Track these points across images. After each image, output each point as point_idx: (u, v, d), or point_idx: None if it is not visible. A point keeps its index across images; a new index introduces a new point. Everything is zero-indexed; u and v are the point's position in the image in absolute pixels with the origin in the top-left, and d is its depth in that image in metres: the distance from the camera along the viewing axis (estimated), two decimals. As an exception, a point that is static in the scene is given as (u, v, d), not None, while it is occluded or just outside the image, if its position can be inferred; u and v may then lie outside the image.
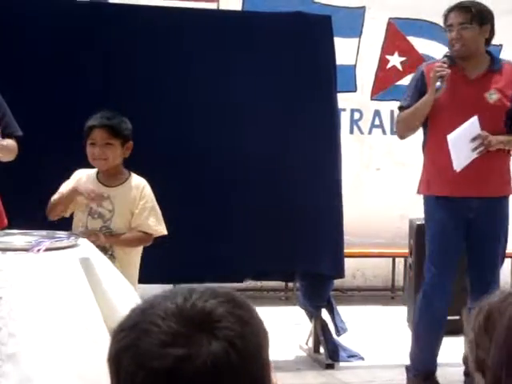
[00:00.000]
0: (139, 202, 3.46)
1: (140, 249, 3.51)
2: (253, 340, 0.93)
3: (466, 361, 3.99)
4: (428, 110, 3.93)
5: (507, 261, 5.98)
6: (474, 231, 3.96)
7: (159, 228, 3.48)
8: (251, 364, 0.92)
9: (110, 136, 3.40)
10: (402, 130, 4.12)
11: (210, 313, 0.93)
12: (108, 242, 3.35)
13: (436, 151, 4.00)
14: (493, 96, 3.95)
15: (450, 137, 3.87)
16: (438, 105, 3.93)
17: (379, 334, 5.02)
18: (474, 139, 3.86)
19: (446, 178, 3.95)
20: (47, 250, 2.67)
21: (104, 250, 3.25)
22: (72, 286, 2.55)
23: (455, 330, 4.34)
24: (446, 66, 3.88)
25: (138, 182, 3.50)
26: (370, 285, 6.52)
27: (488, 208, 3.95)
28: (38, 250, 2.64)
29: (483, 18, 3.96)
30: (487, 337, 0.97)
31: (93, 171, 3.53)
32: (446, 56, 3.99)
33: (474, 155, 3.88)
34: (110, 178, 3.51)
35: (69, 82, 4.09)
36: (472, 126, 3.87)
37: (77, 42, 4.12)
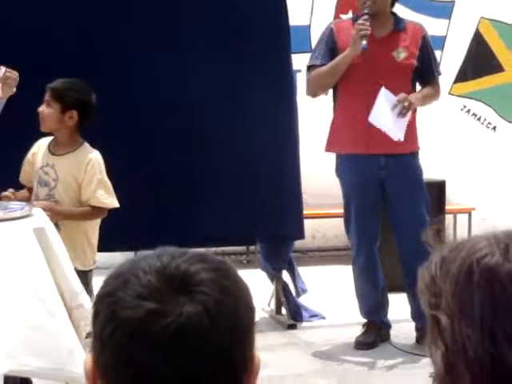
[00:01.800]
0: (86, 174, 3.39)
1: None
2: (231, 311, 0.93)
3: (415, 316, 4.09)
4: (346, 67, 3.95)
5: (450, 216, 6.05)
6: (390, 191, 4.02)
7: (110, 201, 3.40)
8: (224, 334, 0.91)
9: (51, 98, 3.41)
10: (317, 87, 4.17)
11: (191, 275, 0.93)
12: (56, 218, 3.24)
13: (346, 109, 4.05)
14: (401, 54, 4.02)
15: (371, 117, 3.92)
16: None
17: (340, 294, 5.06)
18: (393, 109, 3.90)
19: (354, 135, 3.99)
20: (0, 220, 2.62)
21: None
22: (25, 255, 2.52)
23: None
24: (367, 24, 3.90)
25: (87, 153, 3.44)
26: (330, 245, 6.56)
27: (398, 165, 3.99)
28: (-8, 221, 2.60)
29: None
30: (440, 285, 0.97)
31: (49, 139, 3.51)
32: (364, 14, 3.98)
33: (406, 120, 3.94)
34: (59, 147, 3.48)
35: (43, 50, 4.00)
36: (385, 96, 3.92)
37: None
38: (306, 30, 6.27)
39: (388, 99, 3.93)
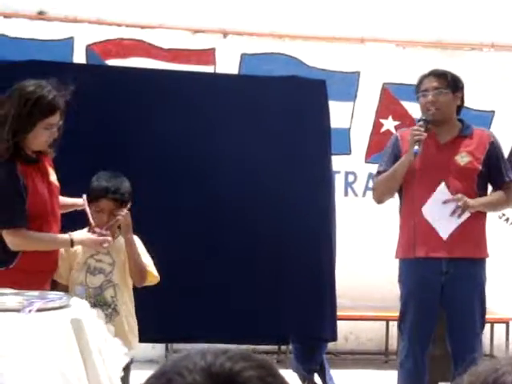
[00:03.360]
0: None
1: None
2: None
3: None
4: (405, 171, 4.02)
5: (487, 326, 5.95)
6: (448, 296, 3.97)
7: (153, 269, 3.60)
8: None
9: (117, 207, 3.55)
10: (381, 193, 4.20)
11: (237, 373, 0.92)
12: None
13: (408, 213, 4.06)
14: (464, 158, 4.05)
15: (424, 208, 3.95)
16: (410, 169, 4.01)
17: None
18: (444, 203, 3.92)
19: (414, 239, 3.99)
20: (39, 310, 2.65)
21: (106, 304, 3.33)
22: (61, 346, 2.53)
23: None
24: (422, 129, 3.97)
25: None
26: (363, 348, 6.47)
27: (461, 270, 3.96)
28: (30, 311, 2.63)
29: (457, 86, 4.11)
30: None
31: (83, 231, 3.58)
32: (420, 120, 4.08)
33: (458, 219, 3.94)
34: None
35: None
36: (441, 192, 3.95)
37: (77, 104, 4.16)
38: (345, 133, 6.38)
39: (443, 195, 3.96)
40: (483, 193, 4.10)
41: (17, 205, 3.26)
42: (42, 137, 3.36)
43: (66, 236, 3.41)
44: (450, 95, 4.05)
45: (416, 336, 3.99)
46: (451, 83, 4.07)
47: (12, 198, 3.25)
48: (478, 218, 4.03)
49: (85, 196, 3.63)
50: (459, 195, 3.94)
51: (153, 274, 3.59)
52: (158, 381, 0.95)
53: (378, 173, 4.18)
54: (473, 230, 4.00)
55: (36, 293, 2.98)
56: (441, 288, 3.97)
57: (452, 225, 3.95)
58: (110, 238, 3.45)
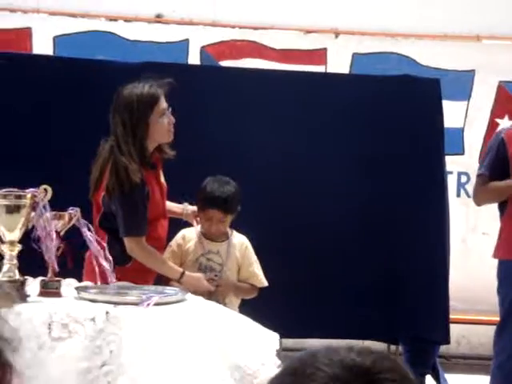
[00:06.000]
0: (245, 256, 3.65)
1: None
2: None
3: None
4: None
5: None
6: None
7: (264, 279, 3.66)
8: None
9: (225, 215, 3.58)
10: (483, 201, 4.08)
11: (372, 366, 0.96)
12: (228, 290, 3.59)
13: None
14: None
15: None
16: None
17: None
18: None
19: None
20: (156, 304, 2.74)
21: (216, 301, 3.41)
22: (179, 341, 2.60)
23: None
24: None
25: (241, 239, 3.70)
26: (475, 352, 6.33)
27: None
28: (148, 305, 2.72)
29: None
30: None
31: (195, 229, 3.68)
32: None
33: None
34: (217, 235, 3.67)
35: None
36: None
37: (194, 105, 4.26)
38: (459, 133, 6.26)
39: None
40: None
41: (141, 214, 3.34)
42: (163, 126, 3.41)
43: (179, 269, 3.50)
44: None
45: None
46: None
47: (138, 207, 3.34)
48: None
49: (186, 204, 3.68)
50: None
51: (260, 282, 3.66)
52: (291, 378, 0.97)
53: (481, 175, 4.01)
54: None
55: (153, 287, 3.08)
56: None
57: None
58: (212, 289, 3.55)
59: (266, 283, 3.66)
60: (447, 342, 4.50)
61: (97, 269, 2.99)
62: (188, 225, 3.73)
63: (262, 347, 2.73)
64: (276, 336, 2.82)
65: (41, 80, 4.17)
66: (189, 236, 3.66)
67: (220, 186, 3.58)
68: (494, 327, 6.19)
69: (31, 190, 2.80)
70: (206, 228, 3.61)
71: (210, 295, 3.48)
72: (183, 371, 2.53)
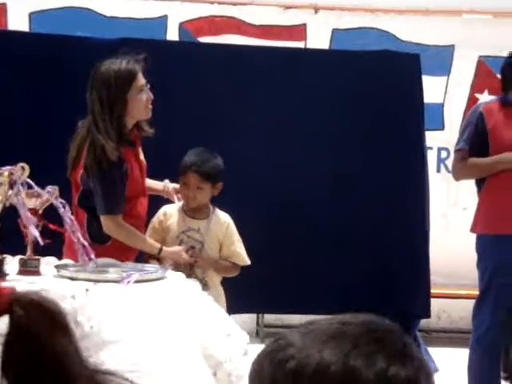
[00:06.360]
0: (227, 235, 3.62)
1: None
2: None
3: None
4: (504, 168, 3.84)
5: None
6: None
7: (246, 258, 3.63)
8: None
9: (202, 180, 3.53)
10: (463, 176, 4.06)
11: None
12: (204, 264, 3.54)
13: (500, 189, 3.89)
14: None
15: None
16: (504, 144, 3.83)
17: (465, 378, 4.90)
18: None
19: (507, 215, 3.85)
20: (136, 282, 2.73)
21: (197, 278, 3.39)
22: (158, 319, 2.60)
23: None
24: None
25: (223, 217, 3.65)
26: (456, 326, 6.38)
27: None
28: (128, 282, 2.71)
29: None
30: None
31: (177, 205, 3.66)
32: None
33: None
34: (198, 212, 3.64)
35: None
36: None
37: (170, 81, 4.23)
38: (439, 108, 6.27)
39: None
40: None
41: (118, 192, 3.33)
42: (141, 102, 3.38)
43: (157, 244, 3.47)
44: None
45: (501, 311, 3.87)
46: None
47: (116, 186, 3.32)
48: None
49: (167, 180, 3.66)
50: None
51: (243, 261, 3.63)
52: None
53: (459, 151, 3.94)
54: None
55: (133, 265, 3.07)
56: None
57: None
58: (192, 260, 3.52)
59: (248, 262, 3.63)
60: (428, 316, 4.53)
61: (75, 247, 2.97)
62: (169, 202, 3.71)
63: (231, 341, 2.74)
64: (246, 336, 2.82)
65: (16, 57, 4.12)
66: (170, 212, 3.64)
67: (200, 154, 3.58)
68: (474, 301, 6.27)
69: (8, 167, 2.78)
70: (184, 196, 3.56)
71: (190, 271, 3.47)
72: (161, 348, 2.53)
